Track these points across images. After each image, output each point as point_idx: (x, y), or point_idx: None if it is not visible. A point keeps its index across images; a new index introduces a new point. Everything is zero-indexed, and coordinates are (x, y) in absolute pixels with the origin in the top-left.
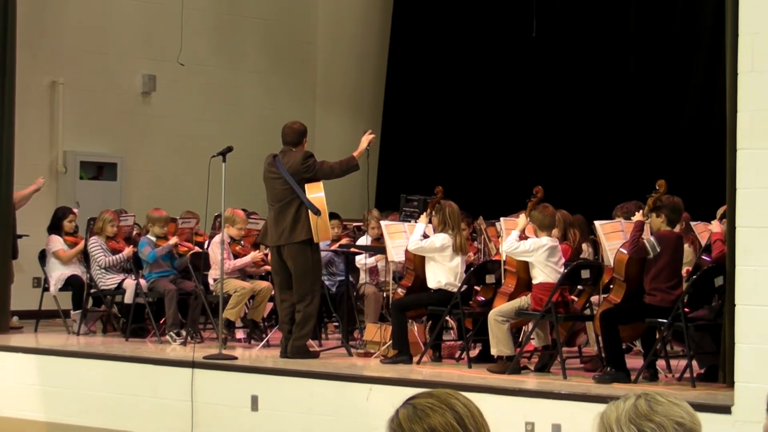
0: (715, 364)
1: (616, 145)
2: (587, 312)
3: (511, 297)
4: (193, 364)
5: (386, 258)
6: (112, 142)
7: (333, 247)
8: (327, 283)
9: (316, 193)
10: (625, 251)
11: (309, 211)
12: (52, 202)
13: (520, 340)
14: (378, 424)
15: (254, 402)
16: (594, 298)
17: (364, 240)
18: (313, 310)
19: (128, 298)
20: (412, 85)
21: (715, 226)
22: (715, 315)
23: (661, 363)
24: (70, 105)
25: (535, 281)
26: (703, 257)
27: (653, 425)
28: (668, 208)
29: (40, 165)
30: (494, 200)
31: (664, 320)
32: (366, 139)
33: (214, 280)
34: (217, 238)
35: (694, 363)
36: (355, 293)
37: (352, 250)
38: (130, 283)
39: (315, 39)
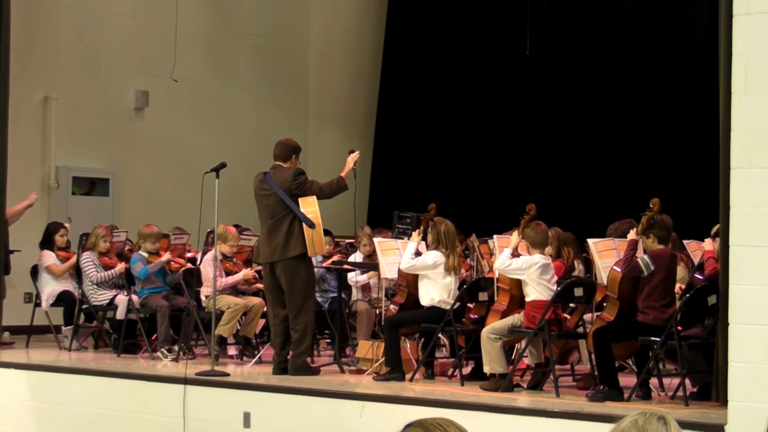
0: (708, 383)
1: (609, 163)
2: (580, 330)
3: (504, 314)
4: (185, 381)
5: (378, 275)
6: (104, 157)
7: (325, 264)
8: (319, 299)
9: (310, 207)
10: (618, 269)
11: (303, 225)
12: (44, 218)
13: (513, 357)
14: None
15: (246, 419)
16: (587, 316)
17: (355, 257)
18: (308, 326)
19: (120, 314)
20: (404, 101)
21: (708, 244)
22: (708, 333)
23: (654, 381)
24: (62, 120)
25: (527, 299)
26: (696, 275)
27: None
28: (657, 226)
29: (32, 180)
30: (487, 217)
31: (657, 338)
32: (352, 159)
33: (206, 296)
34: (209, 255)
35: (687, 381)
36: (347, 310)
37: (345, 267)
38: (122, 299)
39: (307, 55)
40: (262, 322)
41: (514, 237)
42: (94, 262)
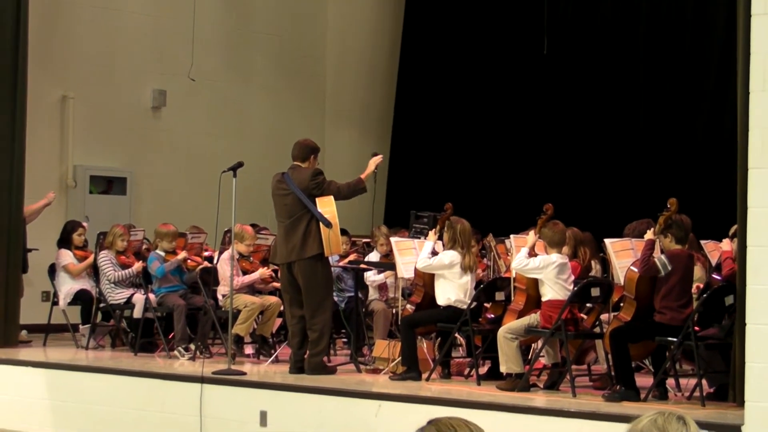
0: (725, 383)
1: (626, 163)
2: (597, 330)
3: (521, 314)
4: (202, 380)
5: (395, 274)
6: (121, 156)
7: (342, 263)
8: (336, 299)
9: (327, 206)
10: (635, 269)
11: (320, 224)
12: (62, 216)
13: (530, 357)
14: None
15: (263, 417)
16: (604, 316)
17: (372, 256)
18: (326, 326)
19: (137, 313)
20: (421, 100)
21: (726, 245)
22: (726, 334)
23: (670, 382)
24: (80, 119)
25: (544, 298)
26: (714, 276)
27: None
28: (674, 226)
29: (50, 179)
30: (504, 217)
31: (674, 339)
32: (374, 162)
33: (223, 295)
34: (226, 254)
35: (704, 382)
36: (363, 309)
37: (362, 266)
38: (139, 298)
39: (324, 54)
40: (279, 321)
41: (531, 236)
42: (111, 261)
